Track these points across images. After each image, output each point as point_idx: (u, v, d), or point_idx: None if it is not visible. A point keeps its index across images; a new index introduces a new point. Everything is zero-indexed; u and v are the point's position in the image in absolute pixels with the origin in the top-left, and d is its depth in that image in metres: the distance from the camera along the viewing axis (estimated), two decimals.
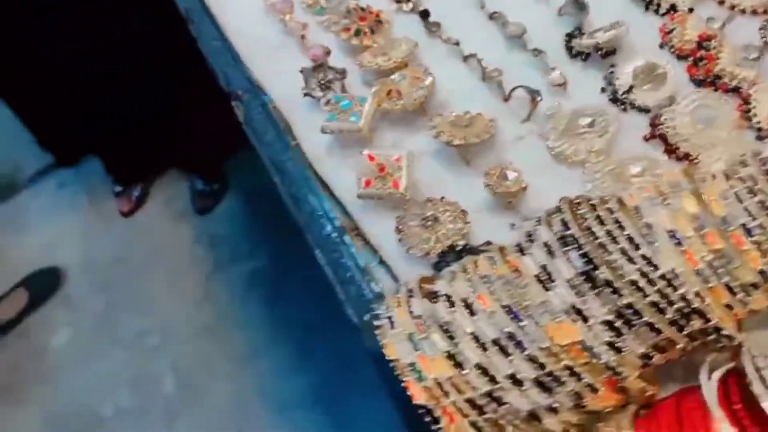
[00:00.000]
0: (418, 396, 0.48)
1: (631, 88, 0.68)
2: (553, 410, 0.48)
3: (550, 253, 0.50)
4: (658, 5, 0.74)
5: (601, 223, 0.49)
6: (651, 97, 0.67)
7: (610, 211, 0.49)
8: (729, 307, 0.48)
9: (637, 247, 0.47)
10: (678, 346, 0.48)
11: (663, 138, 0.65)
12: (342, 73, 0.75)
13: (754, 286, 0.48)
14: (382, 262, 0.65)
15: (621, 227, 0.48)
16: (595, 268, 0.48)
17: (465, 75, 0.75)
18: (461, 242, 0.60)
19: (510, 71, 0.73)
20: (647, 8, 0.75)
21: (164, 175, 1.92)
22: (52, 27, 1.40)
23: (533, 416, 0.48)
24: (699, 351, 0.49)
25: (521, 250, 0.52)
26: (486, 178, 0.63)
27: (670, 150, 0.64)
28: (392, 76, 0.72)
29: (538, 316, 0.48)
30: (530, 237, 0.52)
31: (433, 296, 0.52)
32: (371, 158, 0.66)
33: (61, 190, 1.97)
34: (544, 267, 0.50)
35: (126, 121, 1.67)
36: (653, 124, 0.66)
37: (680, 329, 0.47)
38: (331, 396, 1.46)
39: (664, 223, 0.47)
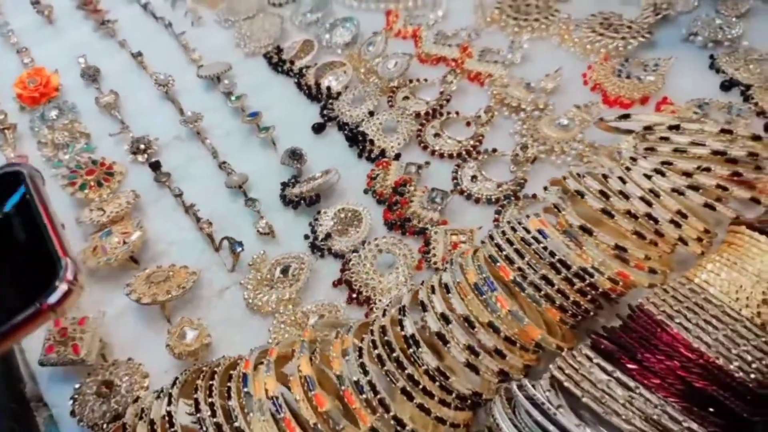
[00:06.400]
0: None
1: (328, 234, 0.71)
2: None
3: None
4: (370, 152, 0.80)
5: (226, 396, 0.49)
6: (346, 242, 0.70)
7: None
8: None
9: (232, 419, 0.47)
10: None
11: (348, 284, 0.67)
12: None
13: None
14: None
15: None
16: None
17: (187, 226, 0.76)
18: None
19: (227, 220, 0.76)
20: (360, 156, 0.80)
21: None
22: None
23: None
24: None
25: None
26: (167, 337, 0.63)
27: (352, 296, 0.66)
28: (98, 233, 0.72)
29: None
30: None
31: None
32: (57, 323, 0.64)
33: None
34: None
35: None
36: (342, 270, 0.68)
37: None
38: None
39: (262, 392, 0.48)
